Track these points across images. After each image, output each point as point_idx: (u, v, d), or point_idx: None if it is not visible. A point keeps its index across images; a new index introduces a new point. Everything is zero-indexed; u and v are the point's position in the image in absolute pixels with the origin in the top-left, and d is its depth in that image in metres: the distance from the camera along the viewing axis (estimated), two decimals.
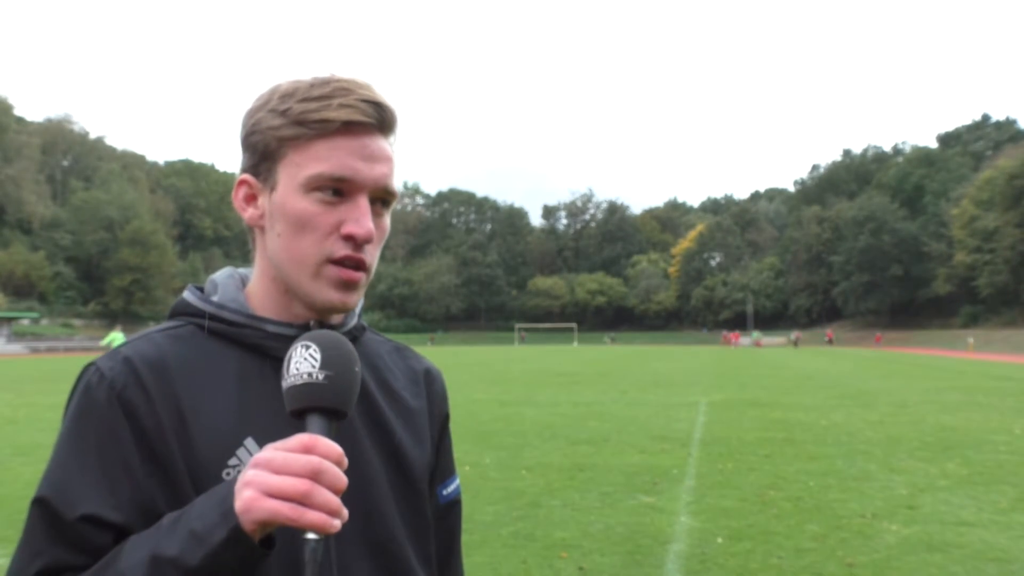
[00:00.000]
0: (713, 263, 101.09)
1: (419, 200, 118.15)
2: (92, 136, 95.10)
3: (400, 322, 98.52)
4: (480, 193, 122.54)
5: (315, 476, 0.73)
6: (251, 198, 0.98)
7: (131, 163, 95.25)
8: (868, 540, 5.74)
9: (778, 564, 5.18)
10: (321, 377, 0.79)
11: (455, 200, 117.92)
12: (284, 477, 0.73)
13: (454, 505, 1.14)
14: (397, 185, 0.96)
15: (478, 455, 9.28)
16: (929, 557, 5.32)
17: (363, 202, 0.92)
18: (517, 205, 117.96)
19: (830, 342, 72.51)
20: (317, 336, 0.83)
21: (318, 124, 0.91)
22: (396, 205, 0.99)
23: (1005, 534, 5.92)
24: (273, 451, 0.75)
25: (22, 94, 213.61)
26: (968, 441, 10.55)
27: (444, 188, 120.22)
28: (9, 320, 60.05)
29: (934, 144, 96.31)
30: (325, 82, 0.93)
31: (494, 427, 11.87)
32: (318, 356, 0.80)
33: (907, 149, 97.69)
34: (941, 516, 6.46)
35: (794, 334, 77.13)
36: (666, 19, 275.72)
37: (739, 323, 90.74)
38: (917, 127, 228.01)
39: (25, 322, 64.57)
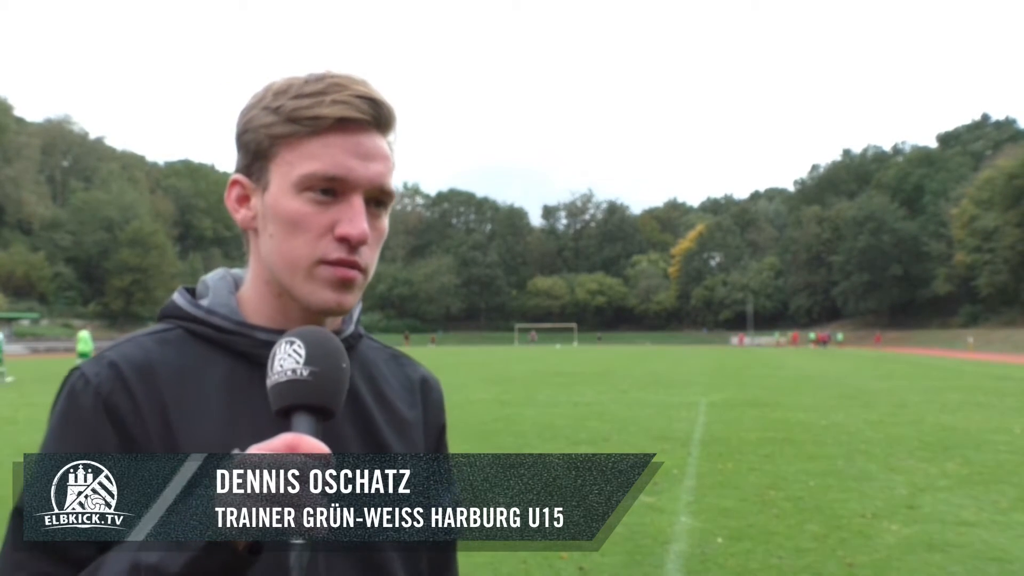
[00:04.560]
0: (713, 263, 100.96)
1: (419, 200, 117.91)
2: (92, 136, 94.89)
3: (400, 322, 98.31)
4: (480, 193, 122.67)
5: None
6: (244, 199, 0.95)
7: (131, 163, 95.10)
8: (868, 540, 5.74)
9: (778, 564, 5.19)
10: (306, 373, 0.76)
11: (455, 200, 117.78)
12: None
13: None
14: (396, 185, 0.93)
15: None
16: (929, 557, 5.32)
17: (357, 202, 0.89)
18: (517, 205, 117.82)
19: (823, 343, 70.70)
20: (302, 332, 0.80)
21: (310, 121, 0.88)
22: (396, 205, 0.96)
23: (1005, 534, 5.92)
24: (257, 452, 0.72)
25: (22, 94, 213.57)
26: (968, 441, 10.55)
27: (444, 188, 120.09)
28: (9, 321, 59.97)
29: (934, 144, 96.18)
30: (319, 78, 0.90)
31: (494, 427, 11.87)
32: (303, 352, 0.77)
33: (907, 149, 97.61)
34: (941, 516, 6.47)
35: (832, 334, 74.39)
36: (666, 19, 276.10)
37: (739, 323, 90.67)
38: (917, 127, 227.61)
39: (25, 323, 64.49)
